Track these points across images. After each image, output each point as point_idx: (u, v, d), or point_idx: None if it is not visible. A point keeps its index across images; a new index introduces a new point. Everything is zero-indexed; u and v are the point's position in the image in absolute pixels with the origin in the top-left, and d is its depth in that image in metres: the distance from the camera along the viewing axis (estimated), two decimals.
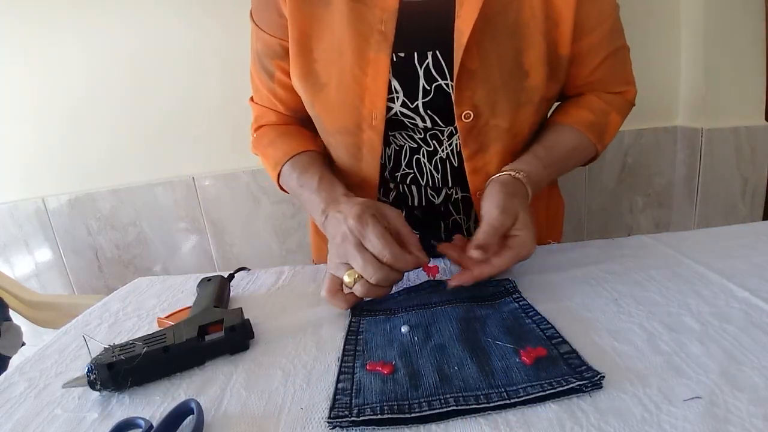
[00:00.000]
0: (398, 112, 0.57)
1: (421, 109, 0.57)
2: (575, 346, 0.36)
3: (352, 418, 0.31)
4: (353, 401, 0.33)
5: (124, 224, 1.29)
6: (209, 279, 0.56)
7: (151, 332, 0.43)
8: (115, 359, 0.37)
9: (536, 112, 0.58)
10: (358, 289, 0.45)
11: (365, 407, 0.32)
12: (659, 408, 0.30)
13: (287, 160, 0.62)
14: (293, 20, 0.56)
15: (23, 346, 1.05)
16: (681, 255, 0.53)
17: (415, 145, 0.61)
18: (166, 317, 0.50)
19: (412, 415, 0.31)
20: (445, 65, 0.55)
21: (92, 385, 0.37)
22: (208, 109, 1.21)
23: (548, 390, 0.31)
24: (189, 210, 1.27)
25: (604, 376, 0.32)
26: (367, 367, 0.37)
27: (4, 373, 0.43)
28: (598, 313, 0.42)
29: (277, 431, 0.32)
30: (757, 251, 0.52)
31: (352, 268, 0.45)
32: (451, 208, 0.65)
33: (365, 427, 0.31)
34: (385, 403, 0.32)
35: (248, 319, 0.44)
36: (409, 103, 0.56)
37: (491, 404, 0.31)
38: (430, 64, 0.55)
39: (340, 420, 0.31)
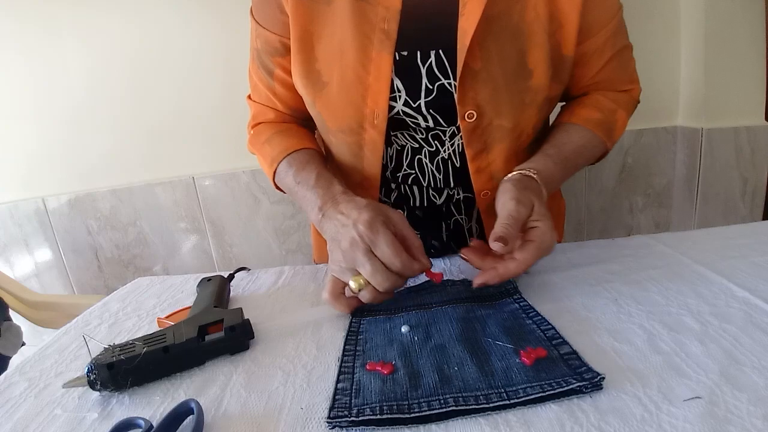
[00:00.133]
0: (400, 112, 0.57)
1: (423, 109, 0.56)
2: (575, 346, 0.36)
3: (352, 418, 0.31)
4: (353, 401, 0.33)
5: (124, 224, 1.29)
6: (209, 279, 0.56)
7: (151, 332, 0.43)
8: (115, 359, 0.37)
9: (540, 112, 0.58)
10: (365, 296, 0.45)
11: (365, 407, 0.32)
12: (659, 408, 0.30)
13: (284, 158, 0.61)
14: (295, 18, 0.56)
15: (23, 346, 1.05)
16: (681, 255, 0.53)
17: (417, 146, 0.61)
18: (166, 317, 0.50)
19: (412, 415, 0.31)
20: (448, 65, 0.55)
21: (92, 385, 0.37)
22: (208, 109, 1.21)
23: (548, 391, 0.31)
24: (189, 210, 1.27)
25: (604, 377, 0.32)
26: (367, 367, 0.37)
27: (4, 373, 0.43)
28: (598, 313, 0.42)
29: (277, 431, 0.32)
30: (757, 251, 0.52)
31: (359, 273, 0.45)
32: (452, 208, 0.65)
33: (365, 427, 0.31)
34: (384, 403, 0.32)
35: (248, 319, 0.44)
36: (411, 103, 0.56)
37: (491, 405, 0.31)
38: (433, 64, 0.55)
39: (339, 420, 0.31)
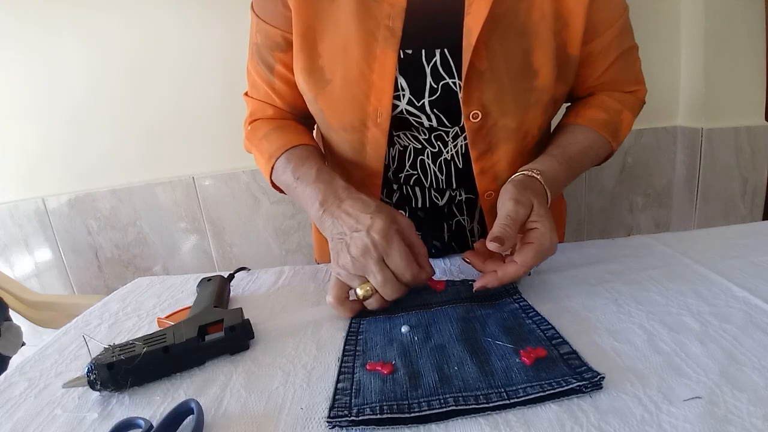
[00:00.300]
0: (404, 110, 0.56)
1: (427, 108, 0.56)
2: (575, 346, 0.36)
3: (352, 418, 0.31)
4: (353, 401, 0.33)
5: (124, 224, 1.29)
6: (209, 279, 0.56)
7: (151, 332, 0.43)
8: (115, 359, 0.37)
9: (545, 112, 0.58)
10: (372, 304, 0.45)
11: (365, 407, 0.32)
12: (659, 408, 0.30)
13: (282, 153, 0.59)
14: (298, 13, 0.55)
15: (23, 346, 1.05)
16: (681, 255, 0.53)
17: (420, 146, 0.61)
18: (166, 317, 0.50)
19: (412, 414, 0.31)
20: (453, 64, 0.54)
21: (92, 385, 0.37)
22: (208, 109, 1.21)
23: (548, 390, 0.31)
24: (189, 210, 1.27)
25: (604, 377, 0.32)
26: (367, 367, 0.37)
27: (4, 373, 0.43)
28: (598, 313, 0.42)
29: (277, 431, 0.32)
30: (757, 251, 0.52)
31: (367, 281, 0.45)
32: (454, 209, 0.65)
33: (365, 427, 0.31)
34: (384, 403, 0.32)
35: (248, 319, 0.44)
36: (415, 101, 0.56)
37: (491, 404, 0.31)
38: (438, 62, 0.54)
39: (339, 420, 0.31)
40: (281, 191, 0.62)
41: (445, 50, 0.54)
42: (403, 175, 0.64)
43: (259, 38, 0.61)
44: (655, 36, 1.13)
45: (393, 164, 0.63)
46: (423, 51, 0.54)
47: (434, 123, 0.57)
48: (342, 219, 0.47)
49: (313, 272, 0.60)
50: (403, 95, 0.56)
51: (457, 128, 0.58)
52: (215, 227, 1.29)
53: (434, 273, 0.47)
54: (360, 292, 0.45)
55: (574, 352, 0.36)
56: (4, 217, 1.29)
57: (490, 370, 0.35)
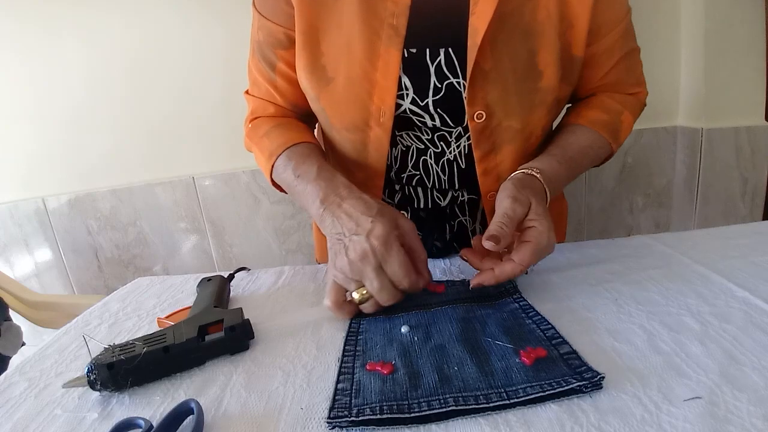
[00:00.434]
0: (407, 110, 0.56)
1: (431, 108, 0.56)
2: (575, 346, 0.36)
3: (352, 418, 0.31)
4: (353, 401, 0.33)
5: (124, 224, 1.29)
6: (209, 279, 0.56)
7: (151, 332, 0.43)
8: (115, 359, 0.37)
9: (549, 113, 0.58)
10: (367, 308, 0.45)
11: (365, 407, 0.32)
12: (659, 408, 0.30)
13: (283, 151, 0.59)
14: (301, 10, 0.55)
15: (23, 346, 1.05)
16: (681, 255, 0.53)
17: (422, 146, 0.60)
18: (166, 317, 0.50)
19: (412, 415, 0.31)
20: (458, 64, 0.54)
21: (92, 385, 0.37)
22: (208, 109, 1.21)
23: (548, 390, 0.31)
24: (189, 210, 1.27)
25: (604, 377, 0.32)
26: (367, 367, 0.37)
27: (4, 373, 0.43)
28: (598, 313, 0.42)
29: (277, 431, 0.32)
30: (757, 251, 0.52)
31: (363, 285, 0.44)
32: (456, 210, 0.65)
33: (365, 427, 0.31)
34: (384, 403, 0.32)
35: (248, 319, 0.44)
36: (419, 101, 0.55)
37: (491, 404, 0.31)
38: (442, 62, 0.54)
39: (339, 420, 0.31)
40: (281, 190, 0.62)
41: (450, 50, 0.54)
42: (405, 175, 0.63)
43: (261, 35, 0.61)
44: (655, 36, 1.13)
45: (395, 164, 0.63)
46: (427, 50, 0.54)
47: (438, 123, 0.57)
48: (342, 219, 0.47)
49: (313, 272, 0.60)
50: (407, 94, 0.55)
51: (460, 128, 0.58)
52: (215, 227, 1.29)
53: (432, 279, 0.47)
54: (356, 296, 0.45)
55: (574, 352, 0.36)
56: (4, 217, 1.29)
57: (490, 370, 0.35)
